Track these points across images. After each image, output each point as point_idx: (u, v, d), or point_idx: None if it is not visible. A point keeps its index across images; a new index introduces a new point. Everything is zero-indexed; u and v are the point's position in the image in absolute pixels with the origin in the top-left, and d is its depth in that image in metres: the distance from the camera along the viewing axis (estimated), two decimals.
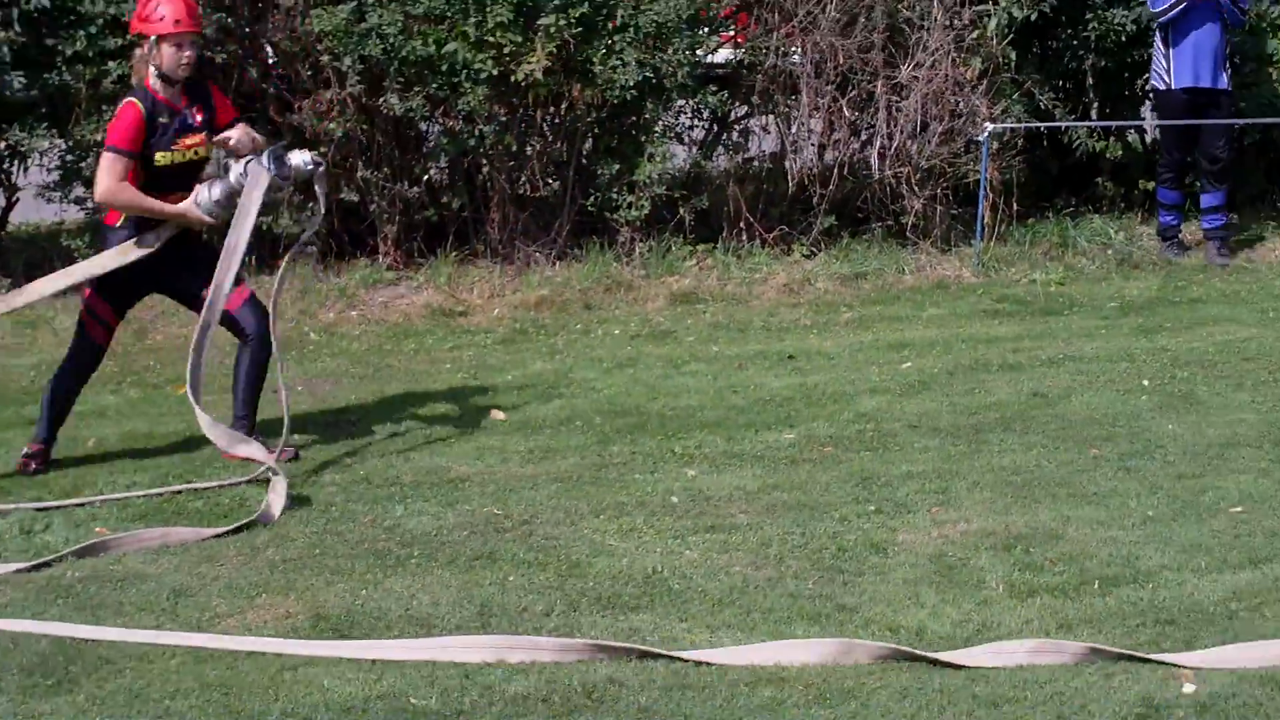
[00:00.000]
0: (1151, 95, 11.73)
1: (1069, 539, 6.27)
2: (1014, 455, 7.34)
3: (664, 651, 5.17)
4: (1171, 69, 11.23)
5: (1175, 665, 5.05)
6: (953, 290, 10.74)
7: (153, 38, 7.19)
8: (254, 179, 7.24)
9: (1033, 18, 11.64)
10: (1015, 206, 11.61)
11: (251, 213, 7.25)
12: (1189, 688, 4.89)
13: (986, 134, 11.09)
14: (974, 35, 11.45)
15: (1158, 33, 11.31)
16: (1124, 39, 11.93)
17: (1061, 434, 7.63)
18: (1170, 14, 11.06)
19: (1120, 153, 12.63)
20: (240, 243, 7.24)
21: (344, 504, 6.78)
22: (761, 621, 5.51)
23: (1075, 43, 12.06)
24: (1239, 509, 6.54)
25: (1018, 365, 8.93)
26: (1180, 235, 11.60)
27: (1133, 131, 13.06)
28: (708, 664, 5.11)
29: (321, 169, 7.60)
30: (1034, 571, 5.95)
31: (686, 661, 5.12)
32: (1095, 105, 12.77)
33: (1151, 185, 12.13)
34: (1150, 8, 11.19)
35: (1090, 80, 12.31)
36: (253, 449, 7.06)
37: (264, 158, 7.25)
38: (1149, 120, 12.92)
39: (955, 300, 10.53)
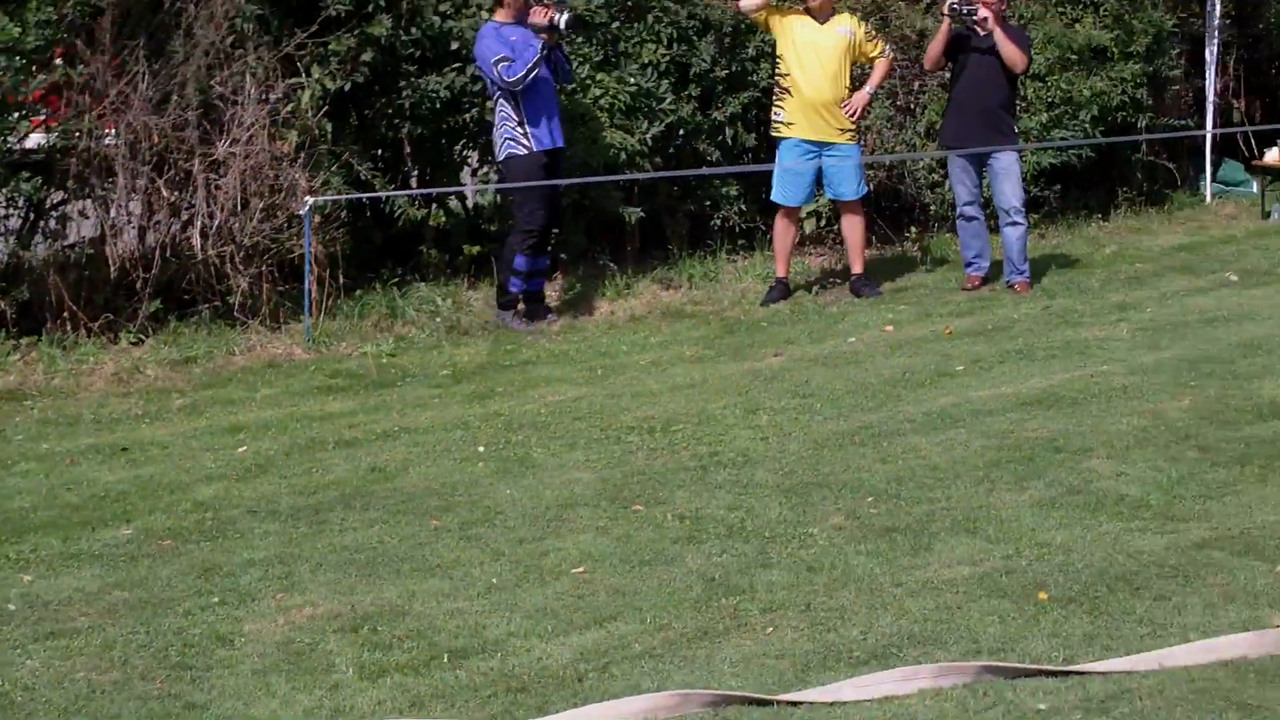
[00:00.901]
0: (504, 163, 11.58)
1: (415, 614, 6.27)
2: (356, 533, 7.29)
3: None
4: (529, 134, 11.30)
5: None
6: (285, 368, 10.61)
7: None
8: None
9: (346, 88, 11.68)
10: (343, 279, 11.59)
11: None
12: None
13: (308, 207, 11.03)
14: (289, 109, 11.40)
15: (505, 100, 11.27)
16: (439, 106, 12.10)
17: (402, 507, 7.63)
18: (527, 79, 11.13)
19: (444, 219, 12.81)
20: None
21: None
22: None
23: (390, 111, 12.14)
24: (580, 569, 6.68)
25: (354, 441, 8.88)
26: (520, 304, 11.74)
27: (454, 198, 13.26)
28: None
29: None
30: (383, 650, 5.92)
31: None
32: (415, 173, 12.89)
33: (476, 250, 12.34)
34: (505, 76, 11.06)
35: (408, 148, 12.45)
36: None
37: None
38: (470, 186, 13.17)
39: (288, 378, 10.39)
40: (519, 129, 11.29)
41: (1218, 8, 15.45)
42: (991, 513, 7.12)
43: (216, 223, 11.13)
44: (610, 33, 12.60)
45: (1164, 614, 5.91)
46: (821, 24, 11.83)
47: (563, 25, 11.24)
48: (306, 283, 11.16)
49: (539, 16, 11.23)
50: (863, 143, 12.92)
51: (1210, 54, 15.55)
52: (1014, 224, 11.94)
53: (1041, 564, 6.48)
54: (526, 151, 11.34)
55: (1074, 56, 14.17)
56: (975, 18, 11.73)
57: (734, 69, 13.15)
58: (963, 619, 5.95)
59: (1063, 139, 13.95)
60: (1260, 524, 6.81)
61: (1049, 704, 5.19)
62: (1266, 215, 15.01)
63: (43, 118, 11.28)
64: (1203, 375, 9.29)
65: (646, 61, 12.62)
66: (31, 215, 11.48)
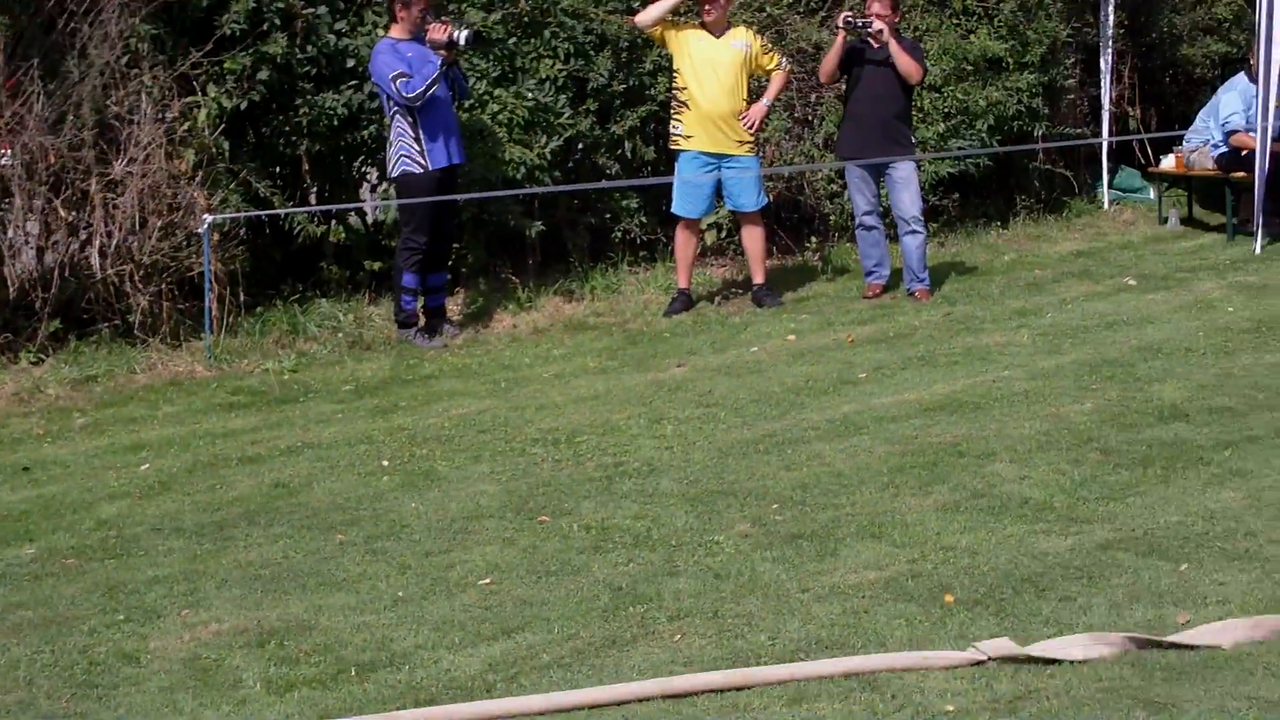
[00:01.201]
0: (397, 180, 11.54)
1: (322, 628, 6.24)
2: (261, 549, 7.25)
3: None
4: (426, 151, 11.26)
5: None
6: (186, 386, 10.54)
7: None
8: None
9: (243, 106, 11.63)
10: (243, 296, 11.54)
11: None
12: None
13: (206, 225, 10.97)
14: (185, 127, 11.34)
15: (402, 117, 11.23)
16: (336, 123, 12.07)
17: (307, 523, 7.59)
18: (426, 95, 11.09)
19: (343, 235, 12.77)
20: None
21: None
22: None
23: (288, 129, 12.09)
24: (487, 580, 6.67)
25: (258, 457, 8.84)
26: (419, 320, 11.71)
27: (353, 214, 13.21)
28: None
29: None
30: (290, 665, 5.88)
31: None
32: (314, 190, 12.85)
33: (376, 266, 12.32)
34: (404, 92, 11.03)
35: (306, 165, 12.41)
36: None
37: None
38: (369, 202, 13.13)
39: (190, 396, 10.33)
40: (415, 145, 11.26)
41: (1111, 17, 15.63)
42: (896, 517, 7.15)
43: (115, 242, 11.07)
44: (508, 48, 12.59)
45: (1070, 614, 5.95)
46: (717, 38, 11.89)
47: (463, 42, 11.23)
48: (207, 300, 11.10)
49: (438, 33, 11.20)
50: (761, 154, 12.99)
51: (1105, 63, 15.73)
52: (913, 233, 12.02)
53: (947, 567, 6.52)
54: (421, 170, 11.31)
55: (970, 67, 14.30)
56: (870, 30, 11.81)
57: (632, 83, 13.18)
58: (870, 623, 5.97)
59: (960, 149, 14.07)
60: (1163, 524, 6.87)
61: (957, 705, 5.22)
62: (1163, 221, 15.19)
63: None
64: (1103, 379, 9.38)
65: (544, 76, 12.62)
66: None
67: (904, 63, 11.86)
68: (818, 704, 5.29)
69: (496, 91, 12.48)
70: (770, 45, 12.45)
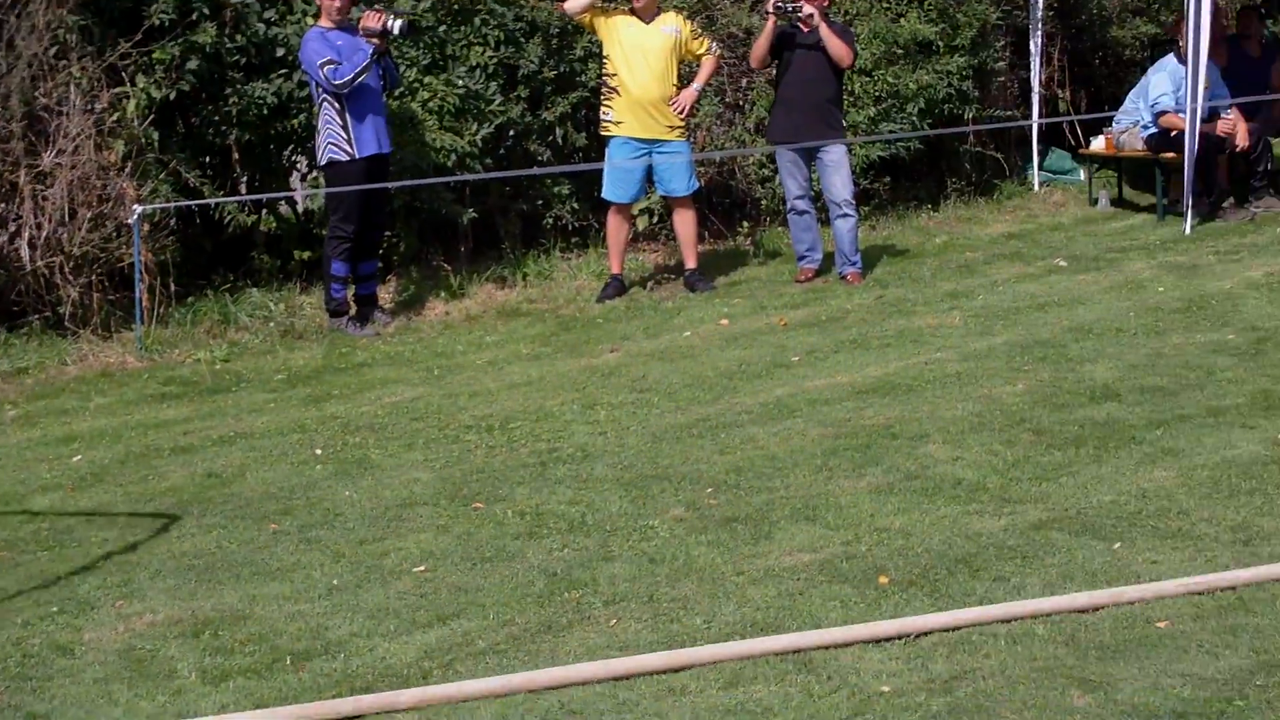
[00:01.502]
0: (324, 168, 11.46)
1: (257, 618, 6.22)
2: (194, 539, 7.22)
3: None
4: (353, 139, 11.19)
5: None
6: (118, 377, 10.48)
7: None
8: None
9: (172, 96, 11.57)
10: (174, 287, 11.48)
11: None
12: None
13: (136, 216, 10.90)
14: (114, 118, 11.27)
15: (330, 104, 11.15)
16: (266, 111, 12.01)
17: (240, 512, 7.56)
18: (354, 83, 11.02)
19: (274, 225, 12.71)
20: None
21: None
22: None
23: (218, 118, 12.03)
24: (422, 568, 6.66)
25: (190, 447, 8.79)
26: (349, 308, 11.67)
27: (284, 203, 13.15)
28: None
29: None
30: (225, 655, 5.87)
31: None
32: (244, 179, 12.78)
33: (307, 254, 12.27)
34: (332, 79, 10.95)
35: (236, 155, 12.35)
36: None
37: None
38: (299, 191, 13.07)
39: (122, 387, 10.26)
40: (343, 133, 11.20)
41: (1041, 0, 15.70)
42: (830, 500, 7.18)
43: (44, 233, 11.01)
44: (438, 36, 12.56)
45: (1003, 594, 5.98)
46: (647, 24, 11.88)
47: (396, 30, 11.18)
48: (137, 291, 11.03)
49: (372, 21, 11.15)
50: (692, 139, 13.00)
51: (1035, 45, 15.78)
52: (845, 216, 12.05)
53: (881, 549, 6.55)
54: (348, 158, 11.24)
55: (900, 51, 14.34)
56: (800, 15, 11.82)
57: (562, 69, 13.16)
58: (804, 605, 5.99)
59: (891, 132, 14.11)
60: (1096, 504, 6.91)
61: (893, 685, 5.25)
62: (1094, 202, 15.27)
63: None
64: (1035, 360, 9.43)
65: (475, 64, 12.60)
66: None
67: (835, 46, 11.88)
68: (754, 686, 5.32)
69: (427, 79, 12.45)
70: (700, 30, 12.45)
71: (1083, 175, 16.02)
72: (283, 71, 12.00)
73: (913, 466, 7.59)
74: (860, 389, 9.05)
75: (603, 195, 12.21)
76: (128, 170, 11.27)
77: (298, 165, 13.03)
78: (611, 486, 7.59)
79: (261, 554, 6.96)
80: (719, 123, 13.98)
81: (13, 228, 11.15)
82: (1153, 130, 14.30)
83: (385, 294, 12.19)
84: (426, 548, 6.90)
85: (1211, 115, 13.75)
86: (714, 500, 7.29)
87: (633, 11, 11.93)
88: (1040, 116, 15.95)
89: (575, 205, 13.21)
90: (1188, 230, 13.32)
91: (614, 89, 11.90)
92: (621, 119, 11.89)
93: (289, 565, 6.80)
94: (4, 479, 8.39)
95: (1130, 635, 5.54)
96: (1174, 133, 13.80)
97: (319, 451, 8.54)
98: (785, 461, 7.79)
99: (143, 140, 11.38)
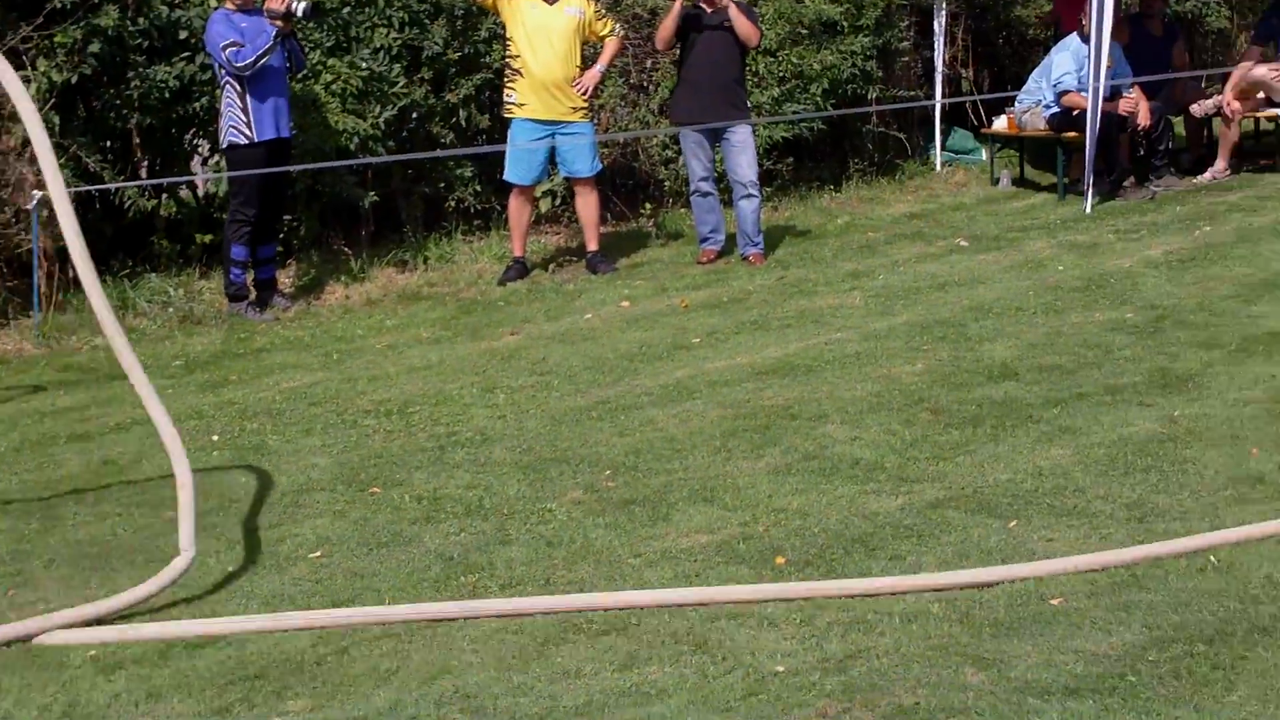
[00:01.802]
0: (225, 152, 11.41)
1: (151, 606, 6.15)
2: (89, 527, 7.15)
3: None
4: (253, 122, 11.11)
5: None
6: (15, 364, 10.38)
7: None
8: None
9: (74, 80, 11.44)
10: (72, 273, 11.34)
11: None
12: None
13: (35, 202, 10.79)
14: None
15: (231, 87, 11.08)
16: (168, 95, 11.89)
17: (136, 500, 7.50)
18: (257, 65, 10.93)
19: (175, 209, 12.60)
20: None
21: None
22: None
23: (119, 102, 11.91)
24: (317, 553, 6.62)
25: (87, 434, 8.71)
26: (249, 293, 11.59)
27: (185, 187, 13.04)
28: None
29: None
30: (118, 644, 5.80)
31: None
32: (145, 164, 12.66)
33: (208, 239, 12.18)
34: (234, 61, 10.87)
35: (137, 139, 12.23)
36: None
37: None
38: (200, 175, 12.97)
39: (18, 374, 10.16)
40: (243, 116, 11.11)
41: None
42: (728, 481, 7.19)
43: None
44: (341, 18, 12.48)
45: (900, 573, 5.99)
46: (550, 5, 11.85)
47: (300, 12, 11.11)
48: (35, 278, 10.93)
49: (276, 4, 11.07)
50: (596, 121, 12.98)
51: (938, 25, 15.88)
52: (749, 197, 12.07)
53: (778, 529, 6.55)
54: (248, 142, 11.17)
55: (804, 31, 14.38)
56: None
57: (466, 51, 13.12)
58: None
59: (795, 113, 14.14)
60: (993, 482, 6.94)
61: (787, 665, 5.24)
62: (995, 181, 15.38)
63: None
64: (934, 339, 9.48)
65: (378, 46, 12.53)
66: None
67: (743, 26, 11.89)
68: (649, 668, 5.30)
69: (330, 61, 12.38)
70: (604, 11, 12.45)
71: (985, 155, 16.14)
72: (186, 55, 11.88)
73: (811, 447, 7.60)
74: (760, 370, 9.07)
75: (505, 177, 12.17)
76: (27, 156, 11.13)
77: (199, 149, 12.93)
78: (510, 470, 7.56)
79: (157, 541, 6.89)
80: (623, 104, 13.98)
81: None
82: (1055, 109, 14.40)
83: (285, 278, 12.12)
84: (322, 533, 6.86)
85: (1114, 94, 13.86)
86: (612, 483, 7.28)
87: None
88: (943, 96, 16.04)
89: (478, 188, 13.18)
90: (1088, 209, 13.43)
91: (517, 70, 11.86)
92: (525, 100, 11.86)
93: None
94: None
95: (1024, 613, 5.56)
96: (1076, 112, 13.91)
97: (216, 438, 8.48)
98: (684, 443, 7.79)
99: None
